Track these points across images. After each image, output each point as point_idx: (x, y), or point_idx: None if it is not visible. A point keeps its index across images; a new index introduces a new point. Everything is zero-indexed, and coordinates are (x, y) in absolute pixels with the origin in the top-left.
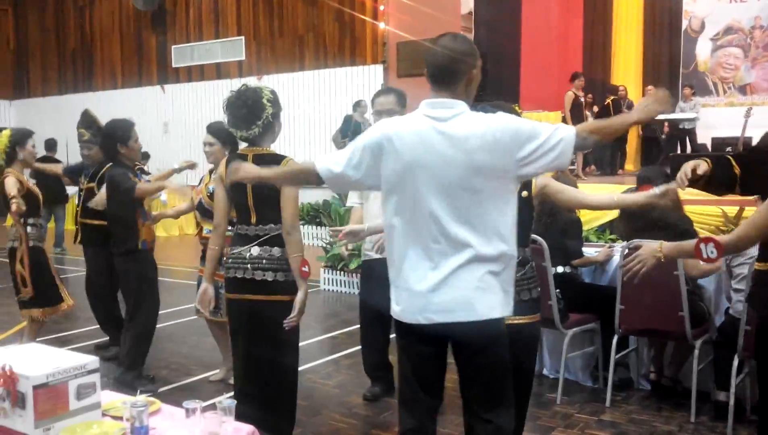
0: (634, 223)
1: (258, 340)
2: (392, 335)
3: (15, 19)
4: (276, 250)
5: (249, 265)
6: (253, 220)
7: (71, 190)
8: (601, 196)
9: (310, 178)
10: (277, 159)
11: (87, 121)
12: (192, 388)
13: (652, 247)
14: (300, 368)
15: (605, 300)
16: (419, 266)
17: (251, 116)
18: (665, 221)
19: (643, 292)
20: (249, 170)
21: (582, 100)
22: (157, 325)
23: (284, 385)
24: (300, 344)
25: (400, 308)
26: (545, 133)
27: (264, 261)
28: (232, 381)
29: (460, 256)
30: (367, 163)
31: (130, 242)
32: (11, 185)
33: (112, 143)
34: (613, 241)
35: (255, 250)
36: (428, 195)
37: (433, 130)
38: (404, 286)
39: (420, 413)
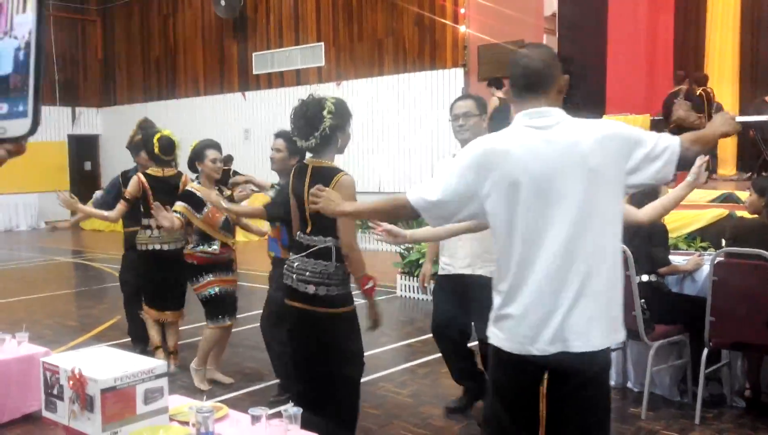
0: (745, 244)
1: (306, 347)
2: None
3: (103, 30)
4: (319, 264)
5: (294, 275)
6: (309, 229)
7: None
8: (650, 208)
9: (402, 212)
10: (331, 172)
11: (148, 128)
12: (264, 393)
13: None
14: (374, 376)
15: (694, 311)
16: (529, 292)
17: (309, 127)
18: None
19: (736, 304)
20: (330, 205)
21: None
22: (234, 330)
23: (340, 389)
24: (375, 352)
25: (505, 337)
26: (651, 140)
27: (307, 273)
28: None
29: (575, 279)
30: (467, 185)
31: None
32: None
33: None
34: (704, 248)
35: (302, 262)
36: (543, 211)
37: (540, 140)
38: (512, 314)
39: None
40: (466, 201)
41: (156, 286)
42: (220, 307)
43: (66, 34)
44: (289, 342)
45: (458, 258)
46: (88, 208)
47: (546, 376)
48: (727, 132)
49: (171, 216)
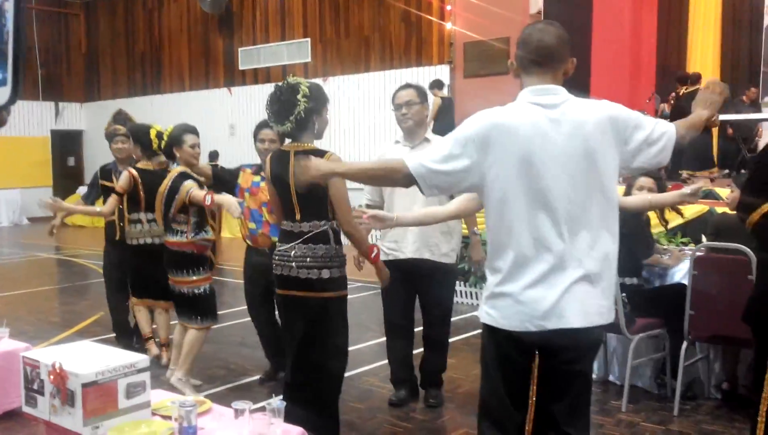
0: (728, 239)
1: (306, 336)
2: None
3: (86, 24)
4: (320, 248)
5: (293, 264)
6: (298, 217)
7: None
8: (635, 199)
9: (395, 176)
10: (319, 154)
11: (121, 119)
12: (248, 388)
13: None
14: (358, 371)
15: (672, 299)
16: (530, 270)
17: (284, 112)
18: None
19: (715, 298)
20: (320, 167)
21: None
22: (219, 325)
23: (326, 381)
24: (358, 346)
25: (500, 315)
26: (650, 124)
27: (308, 259)
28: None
29: (575, 258)
30: (469, 157)
31: None
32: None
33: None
34: (685, 244)
35: (299, 249)
36: (545, 190)
37: (545, 118)
38: (510, 292)
39: (512, 431)
40: (466, 173)
41: (147, 279)
42: (212, 304)
43: (48, 28)
44: (285, 335)
45: (408, 243)
46: (78, 206)
47: (539, 351)
48: (710, 115)
49: (235, 201)
